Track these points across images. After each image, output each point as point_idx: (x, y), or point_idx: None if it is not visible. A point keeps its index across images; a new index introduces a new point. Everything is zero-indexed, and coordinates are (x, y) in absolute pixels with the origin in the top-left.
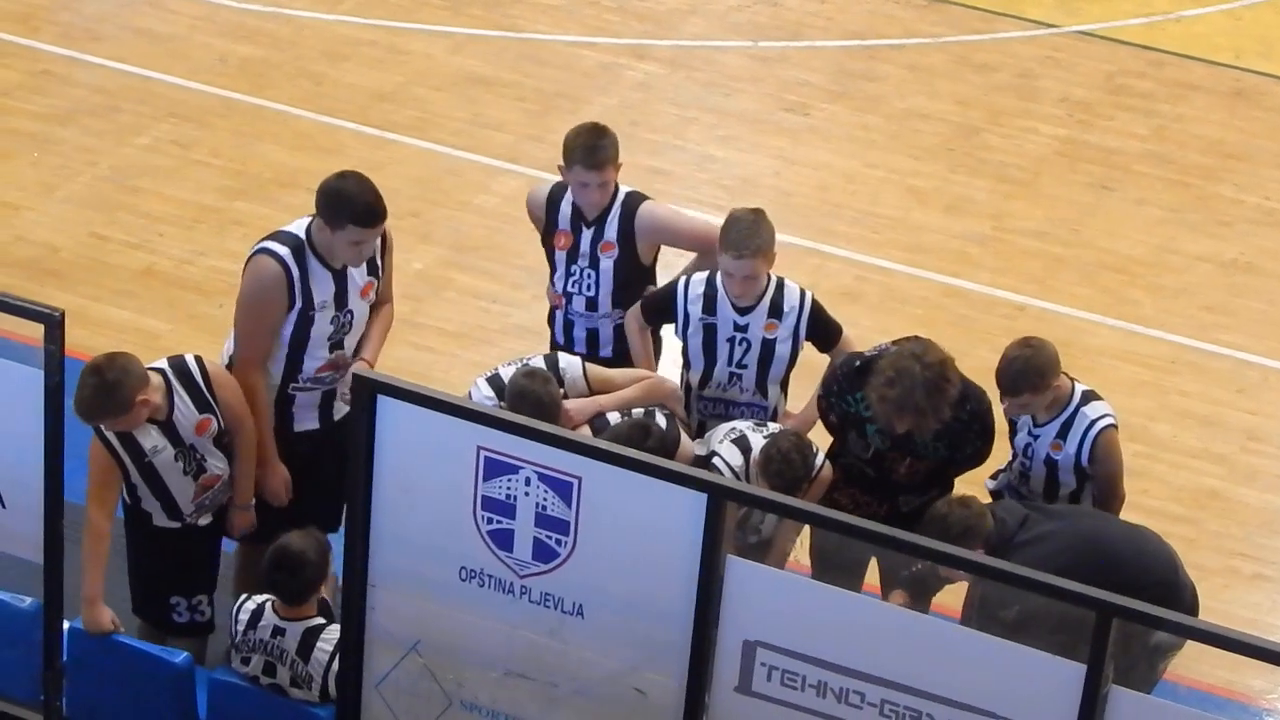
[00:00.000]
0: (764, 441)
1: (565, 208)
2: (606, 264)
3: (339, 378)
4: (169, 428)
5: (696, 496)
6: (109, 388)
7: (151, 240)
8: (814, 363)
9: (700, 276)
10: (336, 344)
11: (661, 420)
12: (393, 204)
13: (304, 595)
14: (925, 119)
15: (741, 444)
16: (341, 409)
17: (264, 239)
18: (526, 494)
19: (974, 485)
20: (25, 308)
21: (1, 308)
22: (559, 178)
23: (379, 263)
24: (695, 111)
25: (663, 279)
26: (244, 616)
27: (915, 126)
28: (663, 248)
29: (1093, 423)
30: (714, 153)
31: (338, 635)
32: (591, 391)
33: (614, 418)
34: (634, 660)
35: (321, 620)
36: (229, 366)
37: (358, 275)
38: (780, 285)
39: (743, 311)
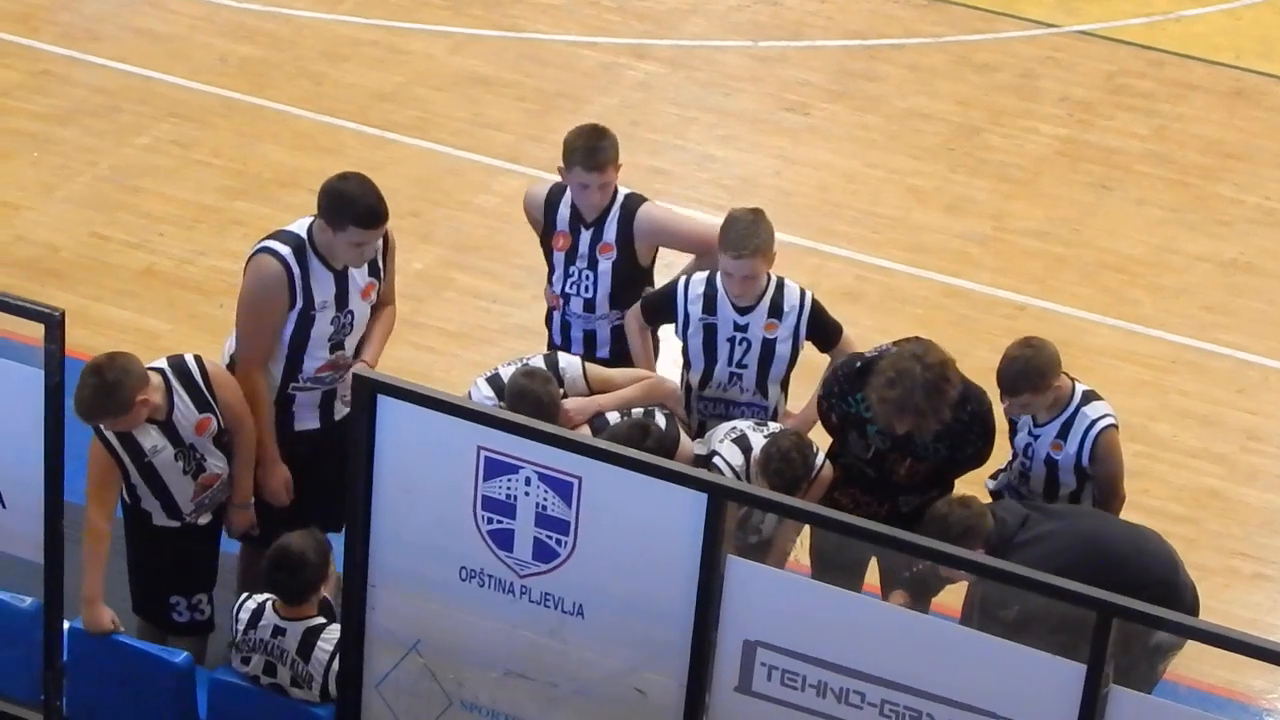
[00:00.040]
0: (764, 441)
1: (564, 209)
2: (605, 266)
3: (339, 378)
4: (169, 427)
5: (697, 496)
6: (109, 388)
7: (152, 240)
8: (814, 362)
9: (700, 276)
10: (337, 344)
11: (661, 420)
12: (393, 204)
13: (304, 595)
14: (926, 119)
15: (742, 443)
16: (342, 410)
17: (265, 238)
18: (527, 494)
19: (974, 485)
20: (25, 308)
21: (2, 308)
22: (559, 178)
23: (381, 264)
24: (695, 111)
25: (661, 280)
26: (244, 616)
27: (916, 126)
28: (661, 249)
29: (1093, 423)
30: (714, 152)
31: (338, 635)
32: (591, 391)
33: (613, 418)
34: (634, 660)
35: (322, 620)
36: (230, 366)
37: (359, 276)
38: (780, 285)
39: (743, 311)
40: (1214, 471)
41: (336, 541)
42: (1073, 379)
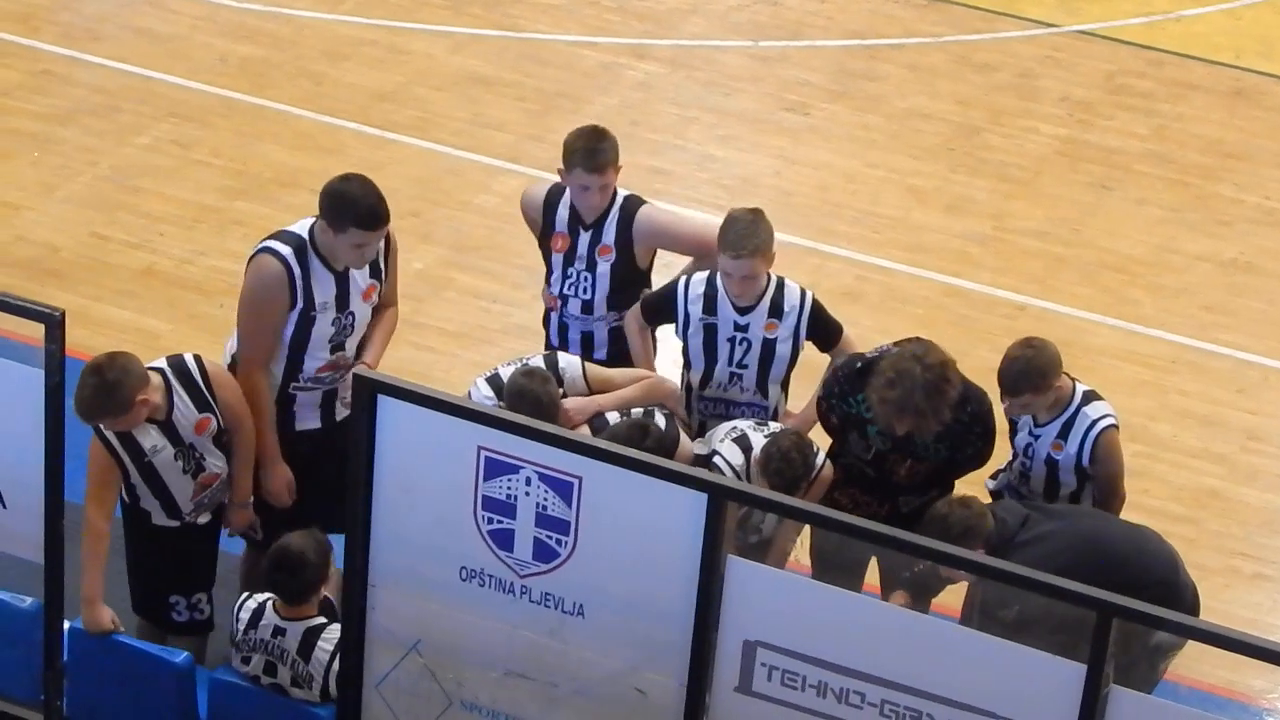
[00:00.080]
0: (765, 441)
1: (562, 210)
2: (603, 267)
3: (339, 378)
4: (168, 427)
5: (697, 496)
6: (109, 387)
7: (152, 240)
8: (814, 362)
9: (700, 276)
10: (337, 345)
11: (660, 420)
12: (393, 204)
13: (304, 595)
14: (926, 119)
15: (742, 443)
16: (343, 412)
17: (267, 238)
18: (527, 494)
19: (974, 485)
20: (26, 308)
21: (2, 308)
22: (559, 178)
23: (382, 266)
24: (695, 111)
25: (659, 282)
26: (245, 616)
27: (916, 126)
28: (660, 250)
29: (1094, 423)
30: (714, 152)
31: (338, 635)
32: (591, 391)
33: (613, 418)
34: (634, 660)
35: (322, 620)
36: (232, 367)
37: (360, 278)
38: (780, 285)
39: (743, 311)
40: (1214, 471)
41: (337, 542)
42: (1073, 379)
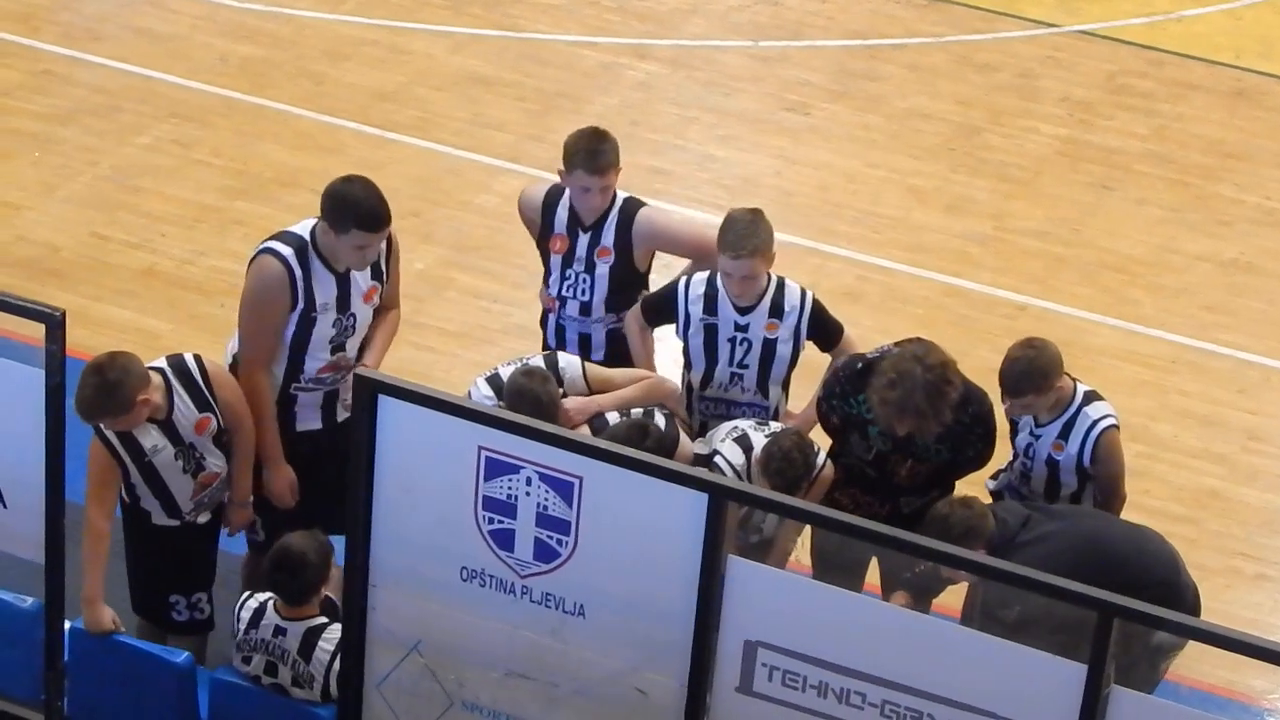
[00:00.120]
0: (765, 440)
1: (562, 211)
2: (602, 269)
3: (340, 379)
4: (169, 427)
5: (697, 496)
6: (110, 387)
7: (152, 240)
8: (815, 362)
9: (701, 276)
10: (338, 346)
11: (660, 420)
12: (394, 204)
13: (305, 595)
14: (926, 119)
15: (743, 443)
16: (344, 414)
17: (268, 239)
18: (527, 494)
19: (975, 485)
20: (26, 307)
21: (2, 308)
22: (558, 179)
23: (384, 268)
24: (696, 111)
25: (658, 283)
26: (245, 615)
27: (916, 126)
28: (659, 251)
29: (1094, 423)
30: (714, 152)
31: (339, 635)
32: (591, 391)
33: (613, 418)
34: (635, 660)
35: (323, 620)
36: (233, 367)
37: (361, 279)
38: (781, 285)
39: (743, 311)
40: (1214, 471)
41: (338, 543)
42: (1074, 379)
